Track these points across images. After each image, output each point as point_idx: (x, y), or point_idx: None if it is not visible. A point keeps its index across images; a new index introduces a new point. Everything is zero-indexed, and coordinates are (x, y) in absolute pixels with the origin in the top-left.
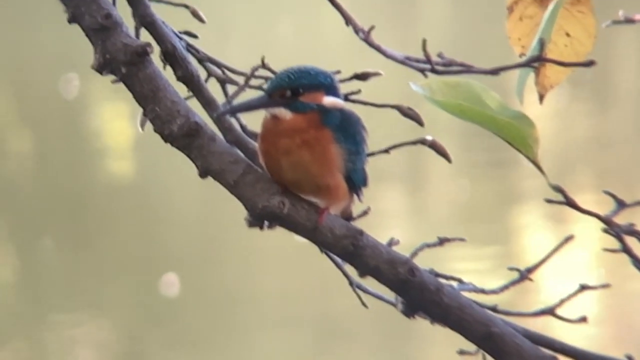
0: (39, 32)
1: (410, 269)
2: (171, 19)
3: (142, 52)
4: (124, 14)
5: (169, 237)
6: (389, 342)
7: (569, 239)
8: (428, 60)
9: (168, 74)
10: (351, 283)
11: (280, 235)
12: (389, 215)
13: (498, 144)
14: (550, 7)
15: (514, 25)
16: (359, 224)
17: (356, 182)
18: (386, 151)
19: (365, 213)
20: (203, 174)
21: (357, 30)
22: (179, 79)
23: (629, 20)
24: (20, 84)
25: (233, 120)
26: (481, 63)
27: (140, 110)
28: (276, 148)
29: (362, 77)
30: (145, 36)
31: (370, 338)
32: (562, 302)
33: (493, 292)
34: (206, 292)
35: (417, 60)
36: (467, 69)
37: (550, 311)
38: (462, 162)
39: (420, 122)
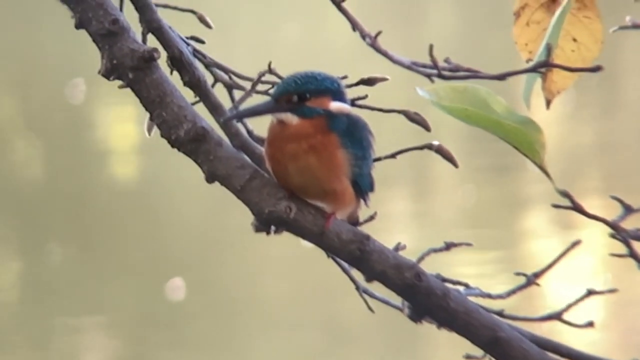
0: (45, 37)
1: (416, 273)
2: (178, 24)
3: (149, 58)
4: (131, 19)
5: (174, 241)
6: (395, 347)
7: (576, 244)
8: (435, 65)
9: (175, 79)
10: (358, 288)
11: (286, 240)
12: (395, 220)
13: (504, 149)
14: (557, 12)
15: (521, 31)
16: (365, 228)
17: (363, 187)
18: (393, 156)
19: (371, 218)
20: (210, 178)
21: (363, 35)
22: (185, 84)
23: (636, 26)
24: (27, 89)
25: (240, 126)
26: (488, 68)
27: (147, 115)
28: (283, 153)
29: (369, 82)
30: (152, 42)
31: (376, 342)
32: (569, 307)
33: (500, 296)
34: (212, 296)
35: (424, 66)
36: (474, 74)
37: (557, 316)
38: (469, 167)
39: (426, 127)
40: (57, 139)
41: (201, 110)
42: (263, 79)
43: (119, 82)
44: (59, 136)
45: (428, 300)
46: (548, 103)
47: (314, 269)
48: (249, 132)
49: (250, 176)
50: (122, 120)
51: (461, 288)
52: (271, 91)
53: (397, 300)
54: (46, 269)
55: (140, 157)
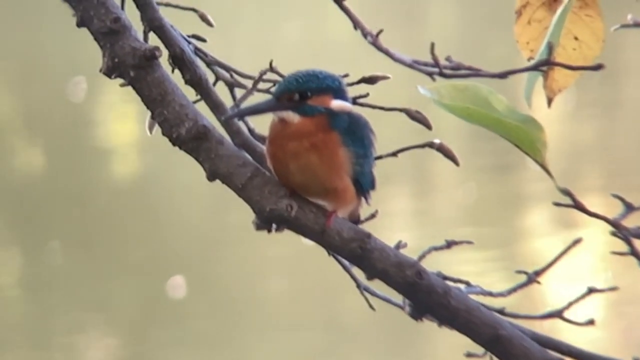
0: (47, 35)
1: (417, 271)
2: (180, 22)
3: (151, 56)
4: (133, 17)
5: (175, 239)
6: (396, 345)
7: (577, 242)
8: (436, 63)
9: (176, 77)
10: (359, 286)
11: (287, 239)
12: (396, 218)
13: (505, 147)
14: (559, 11)
15: (522, 29)
16: (366, 227)
17: (364, 185)
18: (394, 154)
19: (373, 216)
20: (211, 177)
21: (365, 33)
22: (187, 82)
23: (638, 24)
24: (28, 87)
25: (241, 124)
26: (489, 67)
27: (148, 113)
28: (284, 151)
29: (370, 80)
30: (154, 40)
31: (377, 340)
32: (570, 305)
33: (501, 294)
34: (212, 294)
35: (425, 64)
36: (475, 73)
37: (558, 314)
38: (470, 165)
39: (428, 126)
40: (58, 137)
41: (202, 108)
42: (264, 77)
43: (121, 81)
44: (60, 134)
45: (429, 298)
46: (549, 101)
47: (314, 267)
48: (250, 131)
49: (252, 174)
50: (123, 118)
51: (462, 286)
52: (272, 89)
53: (398, 298)
54: (47, 267)
55: (141, 155)
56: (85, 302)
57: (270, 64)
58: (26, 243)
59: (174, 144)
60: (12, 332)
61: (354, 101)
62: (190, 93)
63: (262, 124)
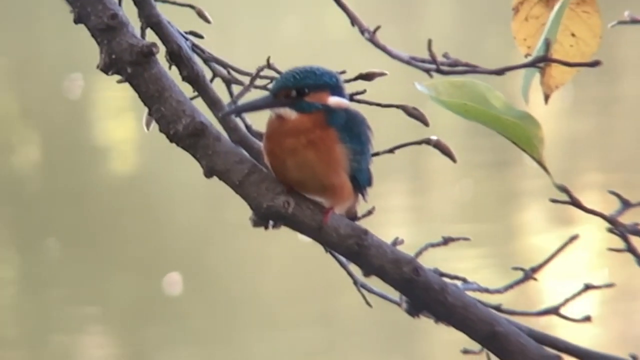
0: (43, 32)
1: (414, 268)
2: (177, 19)
3: (148, 52)
4: (130, 14)
5: (172, 236)
6: (393, 341)
7: (573, 238)
8: (433, 60)
9: (174, 74)
10: (355, 282)
11: (284, 235)
12: (393, 215)
13: (502, 144)
14: (556, 7)
15: (519, 26)
16: (363, 223)
17: (361, 181)
18: (391, 151)
19: (370, 213)
20: (208, 173)
21: (362, 30)
22: (184, 79)
23: (635, 21)
24: (25, 84)
25: (238, 120)
26: (486, 63)
27: (145, 109)
28: (281, 148)
29: (367, 77)
30: (151, 36)
31: (374, 337)
32: (566, 301)
33: (497, 291)
34: (209, 291)
35: (423, 61)
36: (473, 69)
37: (554, 311)
38: (467, 162)
39: (425, 122)
40: (54, 134)
41: (200, 105)
42: (262, 73)
43: (118, 77)
44: (57, 131)
45: (426, 295)
46: (546, 98)
47: (311, 264)
48: (248, 127)
49: (249, 171)
50: (120, 115)
51: (459, 283)
52: (270, 86)
53: (394, 294)
54: (44, 264)
55: (138, 152)
56: (82, 299)
57: (268, 60)
58: (23, 240)
59: (171, 141)
60: (8, 329)
61: (351, 98)
62: (187, 90)
63: (259, 120)
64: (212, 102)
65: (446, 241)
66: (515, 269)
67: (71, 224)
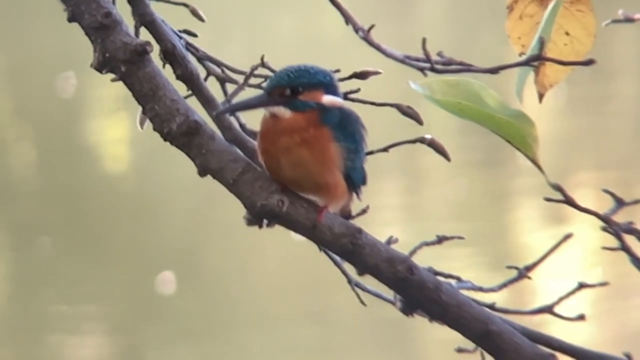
0: (36, 30)
1: (409, 267)
2: (171, 17)
3: (142, 51)
4: (124, 12)
5: (165, 235)
6: (387, 340)
7: (567, 237)
8: (428, 59)
9: (167, 72)
10: (350, 281)
11: (278, 234)
12: (387, 214)
13: (496, 143)
14: (550, 6)
15: (513, 24)
16: (357, 222)
17: (355, 180)
18: (385, 150)
19: (364, 211)
20: (202, 172)
21: (356, 29)
22: (178, 77)
23: (629, 19)
24: (18, 83)
25: (232, 119)
26: (481, 62)
27: (139, 108)
28: (275, 146)
29: (362, 75)
30: (145, 35)
31: (368, 336)
32: (560, 300)
33: (491, 290)
34: (202, 290)
35: (417, 59)
36: (467, 68)
37: (548, 309)
38: (461, 160)
39: (419, 121)
40: (47, 133)
41: (194, 103)
42: (256, 72)
43: (111, 76)
44: (50, 129)
45: (420, 294)
46: (540, 97)
47: (305, 263)
48: (242, 126)
49: (243, 169)
50: (113, 113)
51: (453, 281)
52: (264, 85)
53: (389, 293)
54: (37, 262)
55: (132, 150)
56: (75, 298)
57: (262, 59)
58: (16, 239)
59: (165, 139)
60: (1, 327)
61: (346, 96)
62: (181, 88)
63: (253, 119)
64: (206, 101)
65: (440, 240)
66: (510, 267)
67: (64, 222)
